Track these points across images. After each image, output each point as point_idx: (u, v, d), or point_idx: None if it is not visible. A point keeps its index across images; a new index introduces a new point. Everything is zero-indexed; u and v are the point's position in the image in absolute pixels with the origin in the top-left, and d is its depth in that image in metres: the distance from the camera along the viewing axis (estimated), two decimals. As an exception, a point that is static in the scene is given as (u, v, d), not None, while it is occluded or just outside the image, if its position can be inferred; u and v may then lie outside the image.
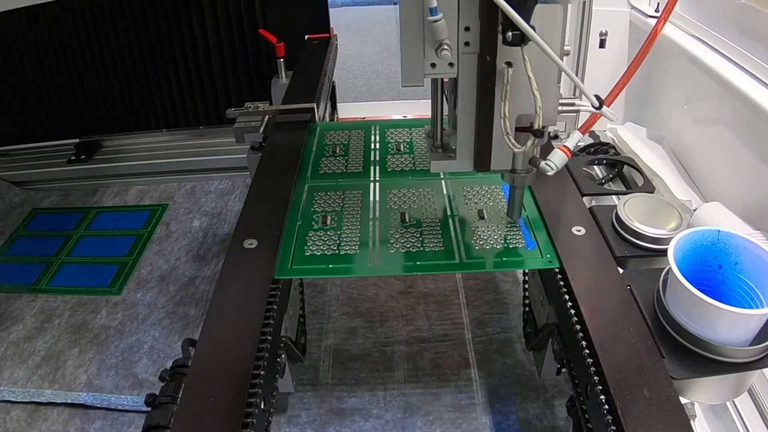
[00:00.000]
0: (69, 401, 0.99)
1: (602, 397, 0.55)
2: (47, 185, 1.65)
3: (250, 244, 0.74)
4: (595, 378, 0.57)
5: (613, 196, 1.00)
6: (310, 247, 0.75)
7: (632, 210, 0.74)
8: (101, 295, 1.23)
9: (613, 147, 1.48)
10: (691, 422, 0.53)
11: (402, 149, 0.97)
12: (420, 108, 1.80)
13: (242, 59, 1.62)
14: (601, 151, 1.46)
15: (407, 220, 0.80)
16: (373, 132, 1.03)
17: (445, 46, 0.58)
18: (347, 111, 1.81)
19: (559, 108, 0.97)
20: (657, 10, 1.42)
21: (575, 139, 0.65)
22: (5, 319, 1.17)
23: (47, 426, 0.96)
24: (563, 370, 0.73)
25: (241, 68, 1.64)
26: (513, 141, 0.60)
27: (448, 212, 0.81)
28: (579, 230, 0.75)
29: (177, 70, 1.63)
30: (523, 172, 0.70)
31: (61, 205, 1.58)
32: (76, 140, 1.73)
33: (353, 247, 0.75)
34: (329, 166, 0.93)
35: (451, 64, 0.60)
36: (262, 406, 0.61)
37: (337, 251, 0.75)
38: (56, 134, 1.74)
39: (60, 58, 1.62)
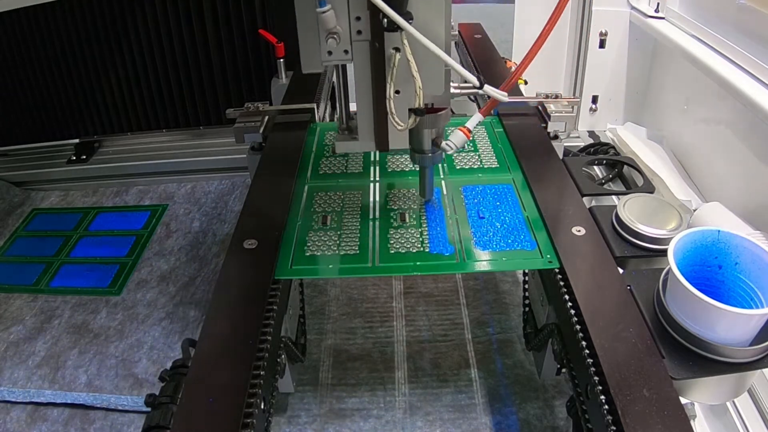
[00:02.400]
0: (69, 401, 0.99)
1: (602, 397, 0.55)
2: (47, 185, 1.65)
3: (250, 244, 0.74)
4: (595, 378, 0.57)
5: (613, 197, 1.00)
6: (310, 248, 0.75)
7: (632, 210, 0.74)
8: (101, 295, 1.23)
9: (613, 147, 1.49)
10: (691, 422, 0.53)
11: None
12: (420, 108, 1.80)
13: (242, 59, 1.62)
14: (601, 151, 1.46)
15: (407, 220, 0.80)
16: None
17: (333, 36, 0.62)
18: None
19: (562, 111, 0.98)
20: (657, 10, 1.42)
21: (475, 120, 0.71)
22: (5, 319, 1.17)
23: (47, 426, 0.96)
24: (563, 370, 0.73)
25: (241, 68, 1.64)
26: (397, 120, 0.64)
27: (448, 212, 0.81)
28: (579, 230, 0.75)
29: (177, 70, 1.63)
30: (429, 153, 0.75)
31: (61, 205, 1.58)
32: (76, 140, 1.73)
33: (353, 247, 0.75)
34: (329, 166, 0.93)
35: (346, 51, 0.64)
36: (262, 407, 0.61)
37: (337, 251, 0.75)
38: (56, 134, 1.75)
39: (60, 58, 1.62)
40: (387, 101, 0.63)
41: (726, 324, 0.56)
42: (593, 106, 1.64)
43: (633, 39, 1.53)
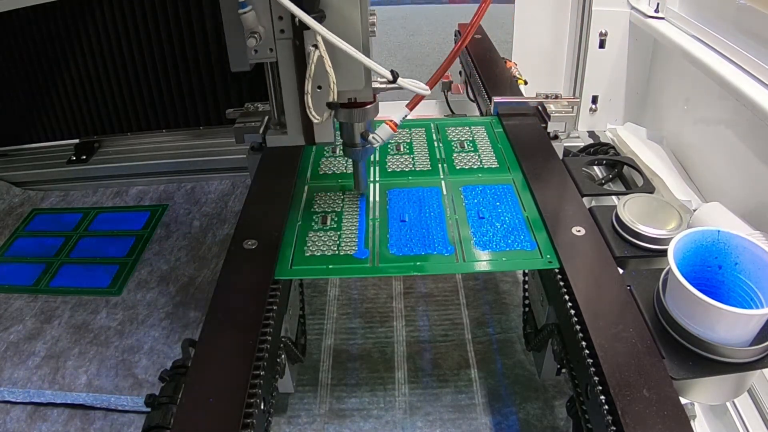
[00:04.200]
0: (69, 402, 0.99)
1: (602, 397, 0.55)
2: (47, 185, 1.65)
3: (250, 244, 0.74)
4: (595, 378, 0.57)
5: (613, 197, 1.00)
6: (310, 248, 0.75)
7: (632, 210, 0.74)
8: (101, 295, 1.23)
9: (613, 147, 1.49)
10: (691, 422, 0.53)
11: (402, 149, 0.97)
12: (420, 108, 1.80)
13: (242, 59, 1.62)
14: (601, 151, 1.46)
15: (406, 220, 0.80)
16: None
17: (254, 36, 0.65)
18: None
19: (562, 111, 0.98)
20: (657, 10, 1.42)
21: (401, 114, 0.74)
22: (5, 319, 1.17)
23: (47, 426, 0.96)
24: (563, 370, 0.73)
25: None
26: (314, 114, 0.67)
27: (448, 213, 0.81)
28: (579, 230, 0.75)
29: (177, 70, 1.63)
30: (359, 147, 0.77)
31: (61, 205, 1.58)
32: (76, 140, 1.73)
33: (353, 248, 0.75)
34: (329, 166, 0.93)
35: (271, 50, 0.68)
36: (262, 407, 0.61)
37: (337, 251, 0.75)
38: (56, 134, 1.75)
39: (60, 58, 1.62)
40: (305, 96, 0.66)
41: (726, 324, 0.56)
42: (593, 106, 1.64)
43: (633, 39, 1.53)
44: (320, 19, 0.63)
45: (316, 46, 0.63)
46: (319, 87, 0.67)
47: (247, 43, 0.65)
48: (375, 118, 0.76)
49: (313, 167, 0.93)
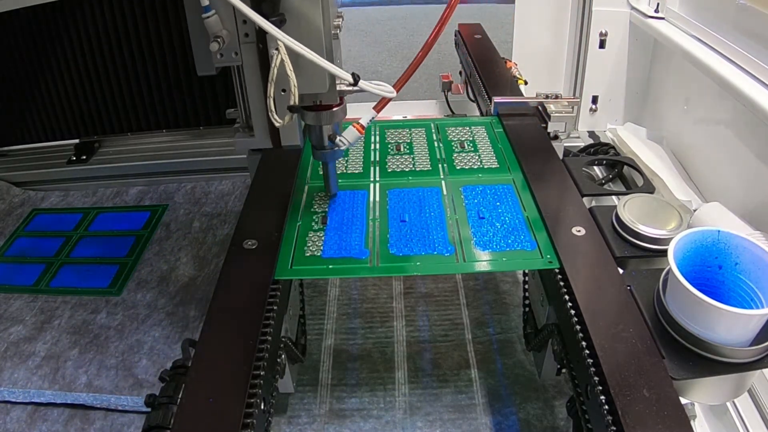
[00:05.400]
0: (69, 402, 0.99)
1: (602, 397, 0.55)
2: (47, 186, 1.65)
3: (250, 244, 0.75)
4: (595, 378, 0.57)
5: (613, 197, 1.00)
6: (310, 248, 0.75)
7: (632, 210, 0.74)
8: (101, 295, 1.23)
9: (613, 147, 1.49)
10: (691, 422, 0.53)
11: (402, 149, 0.97)
12: (420, 108, 1.80)
13: (242, 59, 1.62)
14: (601, 151, 1.46)
15: (407, 220, 0.80)
16: (373, 132, 1.03)
17: (217, 40, 0.65)
18: (347, 111, 1.81)
19: (562, 111, 0.98)
20: (657, 11, 1.43)
21: (368, 117, 0.74)
22: (5, 319, 1.17)
23: (47, 426, 0.96)
24: (563, 370, 0.73)
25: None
26: (276, 117, 0.67)
27: (448, 213, 0.81)
28: (579, 230, 0.75)
29: (177, 71, 1.63)
30: (328, 148, 0.77)
31: (61, 205, 1.58)
32: (76, 140, 1.73)
33: (353, 248, 0.75)
34: (329, 166, 0.93)
35: (235, 54, 0.68)
36: (262, 407, 0.61)
37: (337, 252, 0.75)
38: (56, 134, 1.75)
39: (60, 58, 1.62)
40: (267, 99, 0.66)
41: (726, 324, 0.56)
42: (593, 107, 1.64)
43: (633, 39, 1.53)
44: (280, 22, 0.62)
45: (278, 50, 0.63)
46: (283, 90, 0.66)
47: (210, 47, 0.65)
48: (344, 120, 0.76)
49: (313, 167, 0.93)
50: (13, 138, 1.76)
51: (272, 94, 0.65)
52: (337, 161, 0.82)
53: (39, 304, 1.21)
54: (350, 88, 0.69)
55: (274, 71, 0.63)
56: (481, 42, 1.42)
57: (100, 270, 1.31)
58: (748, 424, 0.82)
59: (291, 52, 0.62)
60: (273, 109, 0.66)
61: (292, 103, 0.66)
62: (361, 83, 0.67)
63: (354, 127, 0.74)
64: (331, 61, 0.67)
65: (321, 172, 0.85)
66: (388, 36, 3.39)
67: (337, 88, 0.71)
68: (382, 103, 0.73)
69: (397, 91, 0.70)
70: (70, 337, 1.12)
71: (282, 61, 0.62)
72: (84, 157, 1.66)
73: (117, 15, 1.56)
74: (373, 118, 0.74)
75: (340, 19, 0.73)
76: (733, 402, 0.85)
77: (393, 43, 3.28)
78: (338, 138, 0.75)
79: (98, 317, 1.16)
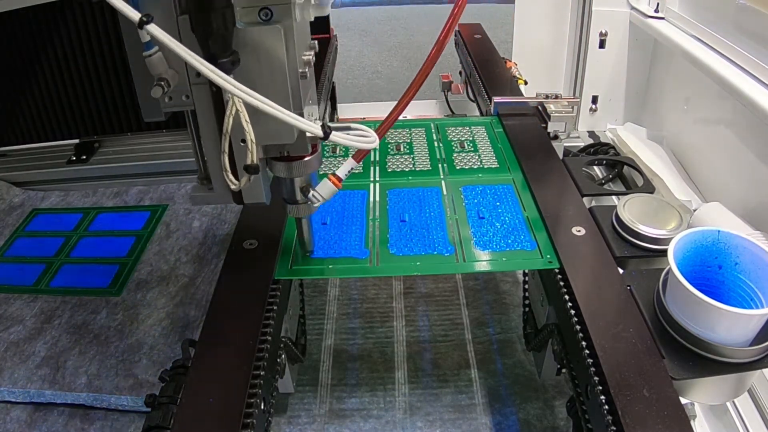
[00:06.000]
0: (69, 401, 0.99)
1: (602, 397, 0.55)
2: (47, 186, 1.65)
3: (250, 244, 0.74)
4: (595, 378, 0.57)
5: (613, 197, 1.00)
6: (310, 248, 0.75)
7: (632, 210, 0.74)
8: (101, 295, 1.23)
9: (613, 147, 1.49)
10: (691, 422, 0.53)
11: (402, 149, 0.97)
12: (420, 108, 1.81)
13: (242, 59, 1.62)
14: (601, 151, 1.46)
15: (407, 220, 0.80)
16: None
17: (160, 83, 0.54)
18: (347, 111, 1.82)
19: (562, 111, 0.98)
20: (657, 11, 1.43)
21: (346, 168, 0.64)
22: (5, 319, 1.17)
23: (47, 426, 0.96)
24: (563, 370, 0.73)
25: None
26: (231, 178, 0.56)
27: (448, 213, 0.81)
28: (579, 230, 0.75)
29: (177, 71, 1.63)
30: (302, 202, 0.66)
31: (61, 205, 1.58)
32: (76, 141, 1.73)
33: (353, 248, 0.75)
34: (329, 166, 0.93)
35: (186, 96, 0.57)
36: (262, 407, 0.61)
37: (337, 251, 0.75)
38: (56, 134, 1.74)
39: (60, 58, 1.62)
40: (221, 155, 0.55)
41: (726, 324, 0.56)
42: (593, 107, 1.64)
43: (633, 39, 1.53)
44: (231, 64, 0.51)
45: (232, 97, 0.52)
46: (243, 141, 0.54)
47: (152, 93, 0.54)
48: (318, 170, 0.66)
49: (313, 167, 0.93)
50: (13, 138, 1.76)
51: (226, 150, 0.54)
52: (303, 218, 0.70)
53: (39, 304, 1.21)
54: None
55: (229, 121, 0.52)
56: (481, 42, 1.42)
57: (100, 270, 1.31)
58: (748, 424, 0.82)
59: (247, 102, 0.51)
60: (227, 168, 0.55)
61: (249, 162, 0.53)
62: (334, 136, 0.57)
63: (330, 179, 0.64)
64: (299, 107, 0.56)
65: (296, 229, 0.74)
66: (388, 36, 3.39)
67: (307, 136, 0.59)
68: (360, 154, 0.64)
69: (381, 138, 0.60)
70: (70, 337, 1.12)
71: (237, 111, 0.51)
72: (84, 157, 1.66)
73: (117, 15, 1.56)
74: (352, 169, 0.64)
75: (312, 52, 0.59)
76: (733, 402, 0.85)
77: (393, 43, 3.28)
78: (311, 193, 0.64)
79: (98, 317, 1.16)
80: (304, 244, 0.73)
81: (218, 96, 0.56)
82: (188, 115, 0.62)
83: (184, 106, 0.58)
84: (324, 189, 0.65)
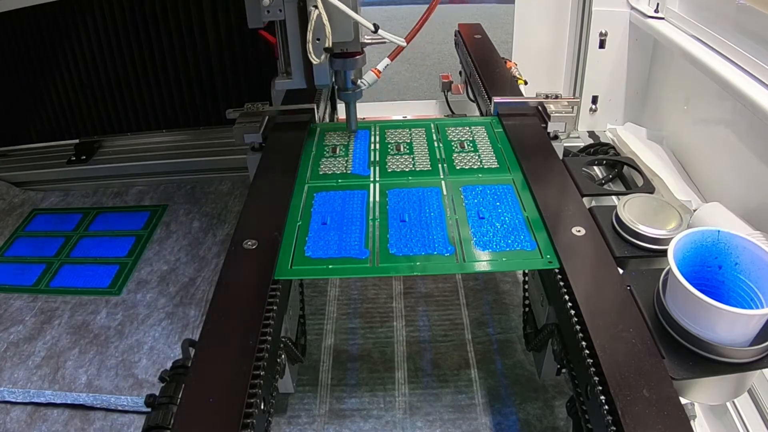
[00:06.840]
0: (69, 402, 0.99)
1: (602, 397, 0.55)
2: (47, 186, 1.65)
3: (250, 244, 0.74)
4: (595, 378, 0.57)
5: (613, 197, 1.00)
6: (311, 247, 0.75)
7: (632, 210, 0.74)
8: (101, 295, 1.23)
9: (613, 147, 1.49)
10: (691, 422, 0.53)
11: (402, 150, 0.97)
12: (420, 108, 1.81)
13: (242, 59, 1.62)
14: (601, 151, 1.46)
15: (407, 220, 0.80)
16: (372, 132, 1.03)
17: None
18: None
19: (562, 111, 0.99)
20: (657, 11, 1.43)
21: (383, 64, 0.96)
22: (5, 319, 1.17)
23: (47, 426, 0.96)
24: (563, 370, 0.73)
25: (241, 68, 1.64)
26: (314, 56, 0.83)
27: (448, 213, 0.81)
28: (579, 231, 0.75)
29: (177, 71, 1.63)
30: (351, 91, 0.95)
31: (61, 205, 1.58)
32: (76, 141, 1.73)
33: (353, 248, 0.75)
34: (329, 166, 0.93)
35: (280, 10, 0.83)
36: (262, 407, 0.61)
37: (337, 252, 0.75)
38: (56, 134, 1.75)
39: (60, 58, 1.62)
40: (307, 44, 0.82)
41: (726, 324, 0.56)
42: (593, 107, 1.64)
43: (633, 39, 1.53)
44: None
45: (316, 6, 0.79)
46: (318, 39, 0.82)
47: (262, 2, 0.80)
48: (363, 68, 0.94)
49: (313, 167, 0.93)
50: (13, 138, 1.76)
51: (311, 39, 0.82)
52: (351, 102, 0.98)
53: (39, 304, 1.21)
54: (370, 40, 0.88)
55: (312, 23, 0.80)
56: (481, 42, 1.42)
57: (100, 270, 1.31)
58: (748, 424, 0.83)
59: (327, 7, 0.79)
60: (311, 51, 0.82)
61: (327, 45, 0.82)
62: (380, 31, 0.85)
63: (372, 71, 0.96)
64: (357, 11, 0.83)
65: (345, 114, 1.00)
66: (388, 36, 3.39)
67: (360, 40, 0.87)
68: (395, 51, 0.94)
69: (408, 42, 0.90)
70: (70, 337, 1.12)
71: (319, 14, 0.79)
72: (84, 157, 1.66)
73: (117, 15, 1.56)
74: (388, 64, 0.96)
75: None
76: (733, 402, 0.85)
77: (393, 44, 3.28)
78: (360, 80, 0.95)
79: (98, 317, 1.16)
80: (350, 124, 1.00)
81: (302, 9, 0.83)
82: (278, 24, 0.87)
83: (277, 17, 0.84)
84: (369, 77, 0.97)
